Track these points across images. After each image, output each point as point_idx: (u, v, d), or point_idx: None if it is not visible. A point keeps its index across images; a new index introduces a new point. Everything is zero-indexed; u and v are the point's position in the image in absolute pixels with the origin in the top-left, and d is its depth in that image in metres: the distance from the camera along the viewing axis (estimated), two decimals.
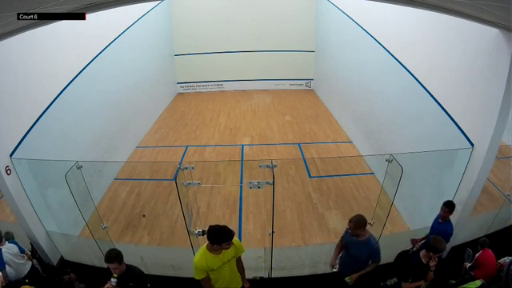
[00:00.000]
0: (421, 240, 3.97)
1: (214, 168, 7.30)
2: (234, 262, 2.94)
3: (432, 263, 3.17)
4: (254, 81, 13.10)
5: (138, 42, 8.61)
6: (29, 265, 3.98)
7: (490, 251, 3.81)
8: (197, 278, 2.81)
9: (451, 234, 3.74)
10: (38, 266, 4.19)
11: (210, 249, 2.72)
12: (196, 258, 2.78)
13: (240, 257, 3.02)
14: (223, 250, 2.74)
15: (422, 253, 3.28)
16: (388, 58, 6.19)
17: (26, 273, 3.92)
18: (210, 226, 2.69)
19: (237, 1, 12.09)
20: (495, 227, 5.04)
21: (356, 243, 3.24)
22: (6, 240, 3.88)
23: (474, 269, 3.84)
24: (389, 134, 6.40)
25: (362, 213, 5.72)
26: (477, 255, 3.89)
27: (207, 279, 2.84)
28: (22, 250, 3.92)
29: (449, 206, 3.70)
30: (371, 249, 3.17)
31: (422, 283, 3.30)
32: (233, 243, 2.77)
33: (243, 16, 12.14)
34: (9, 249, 3.77)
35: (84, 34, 5.82)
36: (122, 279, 2.91)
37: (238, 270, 3.05)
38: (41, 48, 4.70)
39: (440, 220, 3.80)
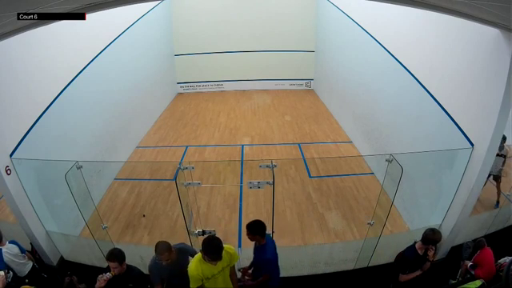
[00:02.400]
0: (249, 268, 3.48)
1: (214, 168, 7.30)
2: (228, 270, 2.94)
3: (430, 253, 3.22)
4: (254, 81, 13.10)
5: (138, 42, 8.61)
6: (30, 265, 3.97)
7: (488, 250, 3.80)
8: (192, 287, 2.82)
9: (267, 261, 3.15)
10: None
11: (204, 257, 2.73)
12: (191, 267, 2.78)
13: (234, 266, 3.03)
14: None
15: (418, 245, 3.34)
16: (388, 58, 6.19)
17: (27, 273, 3.92)
18: (206, 238, 2.71)
19: (237, 1, 12.09)
20: (495, 227, 5.04)
21: None
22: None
23: (475, 268, 3.84)
24: (389, 134, 6.40)
25: (362, 213, 5.75)
26: (475, 256, 3.89)
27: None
28: (22, 251, 3.91)
29: (248, 228, 3.06)
30: None
31: (418, 273, 3.37)
32: (228, 252, 2.82)
33: (243, 16, 12.15)
34: (9, 249, 3.76)
35: (84, 34, 5.82)
36: (122, 279, 2.92)
37: (231, 279, 3.05)
38: (41, 48, 4.70)
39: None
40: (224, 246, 2.80)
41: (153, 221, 5.67)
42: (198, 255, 2.79)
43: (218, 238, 2.69)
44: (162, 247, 2.92)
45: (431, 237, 3.21)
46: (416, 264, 3.36)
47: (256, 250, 3.24)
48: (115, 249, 2.92)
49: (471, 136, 3.99)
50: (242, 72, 12.96)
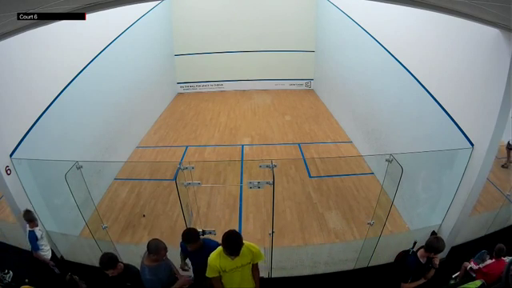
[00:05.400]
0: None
1: (214, 168, 7.30)
2: (248, 267, 2.92)
3: (436, 261, 3.17)
4: (254, 81, 13.10)
5: (137, 42, 8.61)
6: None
7: (503, 261, 3.54)
8: (208, 275, 2.84)
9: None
10: (54, 267, 4.19)
11: (224, 251, 2.73)
12: (211, 257, 2.81)
13: (257, 264, 3.00)
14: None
15: (421, 252, 3.27)
16: (388, 58, 6.19)
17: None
18: (226, 232, 2.68)
19: (237, 1, 12.10)
20: (495, 227, 5.04)
21: None
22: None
23: (477, 272, 3.79)
24: (389, 134, 6.40)
25: (362, 213, 5.75)
26: (488, 263, 3.67)
27: (218, 279, 2.87)
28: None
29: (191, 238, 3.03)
30: None
31: (421, 281, 3.30)
32: (251, 250, 2.82)
33: (243, 16, 12.14)
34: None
35: (84, 34, 5.82)
36: (120, 279, 2.92)
37: (253, 277, 3.02)
38: (41, 48, 4.70)
39: None
40: (247, 243, 2.81)
41: (153, 221, 5.67)
42: (220, 247, 2.79)
43: (236, 234, 2.65)
44: (158, 244, 2.93)
45: (434, 244, 3.07)
46: (418, 272, 3.26)
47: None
48: (103, 256, 2.87)
49: (471, 136, 3.99)
50: (241, 72, 12.96)
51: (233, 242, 2.61)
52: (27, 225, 3.87)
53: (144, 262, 2.98)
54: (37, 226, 3.90)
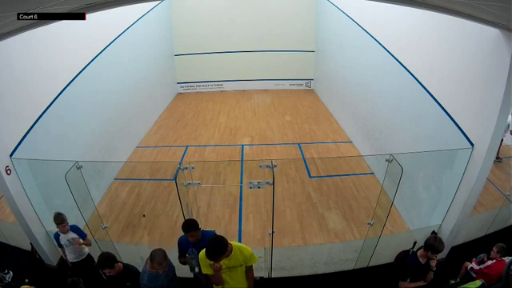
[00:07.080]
0: None
1: (214, 168, 7.29)
2: (240, 270, 2.87)
3: (433, 263, 3.16)
4: (254, 81, 13.10)
5: (137, 42, 8.61)
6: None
7: (504, 262, 3.52)
8: (204, 272, 2.82)
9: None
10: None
11: None
12: (201, 255, 2.79)
13: (251, 266, 2.96)
14: (229, 255, 2.73)
15: (420, 252, 3.26)
16: (388, 58, 6.19)
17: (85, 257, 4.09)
18: (214, 235, 2.68)
19: (237, 1, 12.10)
20: (495, 227, 5.04)
21: None
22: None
23: (477, 273, 3.78)
24: (389, 134, 6.40)
25: (362, 213, 5.75)
26: (489, 263, 3.67)
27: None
28: (83, 236, 3.97)
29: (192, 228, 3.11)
30: None
31: (421, 283, 3.29)
32: (243, 253, 2.79)
33: (243, 16, 12.15)
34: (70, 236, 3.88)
35: (84, 34, 5.82)
36: (119, 279, 2.93)
37: (247, 279, 2.99)
38: (41, 48, 4.70)
39: None
40: (239, 245, 2.79)
41: (153, 221, 5.67)
42: None
43: (219, 240, 2.59)
44: (161, 255, 2.87)
45: (431, 242, 3.09)
46: (417, 272, 3.26)
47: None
48: (101, 256, 2.88)
49: (471, 136, 3.99)
50: (241, 72, 12.96)
51: (211, 246, 2.56)
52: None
53: (146, 266, 2.96)
54: (68, 231, 3.81)
